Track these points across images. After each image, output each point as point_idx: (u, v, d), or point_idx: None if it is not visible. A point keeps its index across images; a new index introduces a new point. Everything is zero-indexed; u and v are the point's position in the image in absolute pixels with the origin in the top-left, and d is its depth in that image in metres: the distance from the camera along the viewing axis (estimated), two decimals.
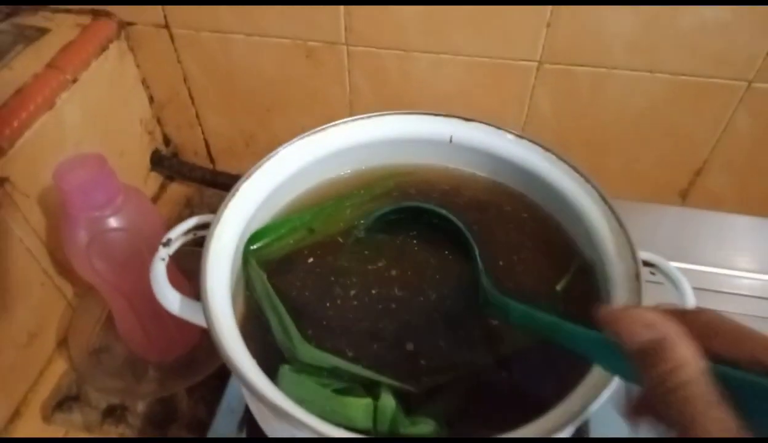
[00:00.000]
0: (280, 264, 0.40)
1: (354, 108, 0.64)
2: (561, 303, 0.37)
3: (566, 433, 0.29)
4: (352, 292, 0.38)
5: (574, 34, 0.53)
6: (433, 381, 0.33)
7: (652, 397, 0.21)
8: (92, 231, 0.44)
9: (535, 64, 0.56)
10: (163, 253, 0.35)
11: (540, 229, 0.42)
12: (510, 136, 0.41)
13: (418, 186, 0.45)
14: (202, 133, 0.71)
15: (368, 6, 0.54)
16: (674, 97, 0.56)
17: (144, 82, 0.67)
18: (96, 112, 0.59)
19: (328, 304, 0.37)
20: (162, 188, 0.73)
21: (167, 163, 0.70)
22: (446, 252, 0.41)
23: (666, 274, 0.35)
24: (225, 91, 0.66)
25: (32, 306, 0.53)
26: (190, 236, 0.37)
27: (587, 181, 0.38)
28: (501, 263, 0.40)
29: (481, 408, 0.33)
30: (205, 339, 0.55)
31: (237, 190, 0.36)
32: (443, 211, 0.40)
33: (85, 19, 0.60)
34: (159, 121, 0.71)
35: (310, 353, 0.33)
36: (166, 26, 0.61)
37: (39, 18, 0.59)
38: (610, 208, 0.36)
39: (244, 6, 0.57)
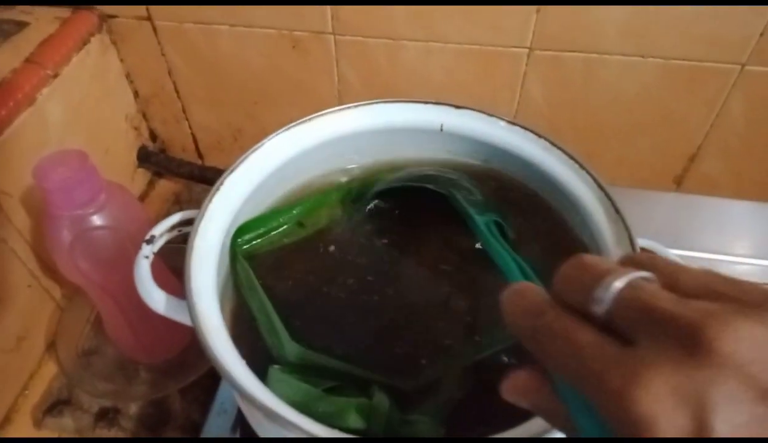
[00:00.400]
0: (268, 259, 0.39)
1: (343, 99, 0.63)
2: None
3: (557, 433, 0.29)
4: (343, 289, 0.37)
5: (565, 20, 0.52)
6: (427, 377, 0.32)
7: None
8: (75, 230, 0.43)
9: (526, 50, 0.55)
10: (147, 251, 0.34)
11: (538, 218, 0.41)
12: (502, 123, 0.40)
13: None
14: (189, 127, 0.70)
15: None
16: (667, 82, 0.55)
17: (128, 76, 0.65)
18: (79, 108, 0.58)
19: (317, 302, 0.36)
20: (150, 185, 0.72)
21: (154, 159, 0.69)
22: (440, 239, 0.40)
23: None
24: (211, 84, 0.64)
25: (19, 309, 0.52)
26: (175, 233, 0.36)
27: (582, 167, 0.37)
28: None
29: (478, 405, 0.32)
30: (195, 339, 0.53)
31: (221, 184, 0.35)
32: (430, 186, 0.39)
33: (65, 12, 0.58)
34: (145, 116, 0.69)
35: (297, 352, 0.32)
36: (149, 18, 0.60)
37: (16, 11, 0.58)
38: (607, 194, 0.36)
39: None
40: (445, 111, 0.41)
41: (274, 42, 0.59)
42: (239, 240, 0.38)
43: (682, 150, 0.61)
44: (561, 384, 0.20)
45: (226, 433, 0.44)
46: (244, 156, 0.37)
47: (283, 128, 0.39)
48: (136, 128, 0.68)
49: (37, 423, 0.52)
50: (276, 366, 0.31)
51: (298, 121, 0.40)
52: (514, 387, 0.21)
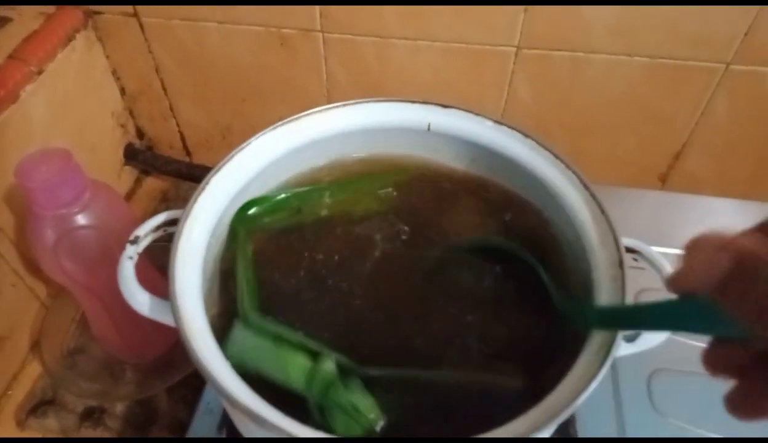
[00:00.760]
0: (264, 237, 0.40)
1: (331, 97, 0.63)
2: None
3: (545, 434, 0.29)
4: (329, 279, 0.38)
5: (552, 19, 0.52)
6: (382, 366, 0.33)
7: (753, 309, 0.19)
8: (59, 230, 0.42)
9: (514, 49, 0.55)
10: (131, 252, 0.33)
11: (521, 218, 0.41)
12: (489, 123, 0.40)
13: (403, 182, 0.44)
14: (177, 125, 0.69)
15: None
16: (653, 80, 0.56)
17: (114, 73, 0.65)
18: (64, 105, 0.57)
19: (302, 287, 0.37)
20: (137, 183, 0.71)
21: (141, 156, 0.69)
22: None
23: (649, 260, 0.34)
24: (199, 81, 0.64)
25: (3, 308, 0.51)
26: (160, 232, 0.35)
27: (568, 167, 0.37)
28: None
29: (453, 407, 0.32)
30: None
31: (207, 183, 0.35)
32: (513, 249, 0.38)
33: (50, 8, 0.57)
34: (131, 114, 0.69)
35: (256, 319, 0.34)
36: (135, 15, 0.59)
37: None
38: (592, 194, 0.36)
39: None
40: (432, 110, 0.41)
41: (262, 39, 0.58)
42: (245, 212, 0.39)
43: (668, 148, 0.62)
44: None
45: (212, 433, 0.43)
46: (230, 155, 0.37)
47: (270, 127, 0.39)
48: (122, 126, 0.68)
49: (21, 424, 0.52)
50: (239, 321, 0.33)
51: (286, 120, 0.40)
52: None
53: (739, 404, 0.22)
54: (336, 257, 0.39)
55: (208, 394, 0.46)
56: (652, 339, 0.33)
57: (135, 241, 0.34)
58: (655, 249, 0.35)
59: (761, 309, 0.19)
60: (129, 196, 0.70)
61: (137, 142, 0.70)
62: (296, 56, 0.59)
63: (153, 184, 0.72)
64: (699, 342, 0.51)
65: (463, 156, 0.43)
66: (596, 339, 0.30)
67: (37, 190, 0.40)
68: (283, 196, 0.42)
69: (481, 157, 0.42)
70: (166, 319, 0.32)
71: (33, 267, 0.54)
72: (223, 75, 0.63)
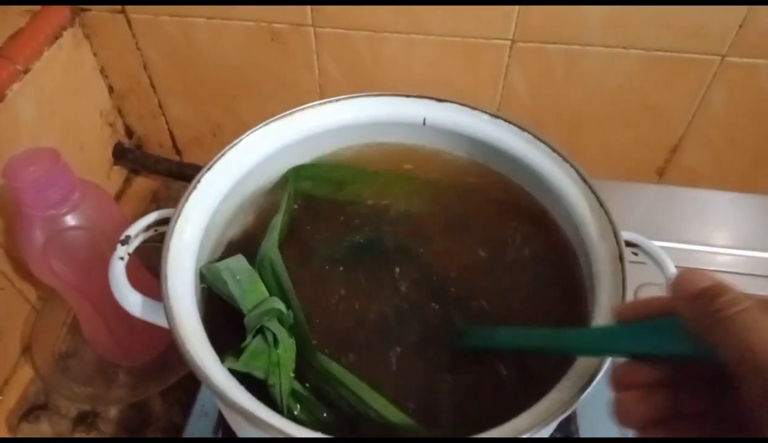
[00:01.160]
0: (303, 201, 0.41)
1: (324, 93, 0.62)
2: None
3: (547, 431, 0.29)
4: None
5: (547, 12, 0.52)
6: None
7: (704, 325, 0.21)
8: (48, 231, 0.41)
9: (508, 42, 0.55)
10: (122, 252, 0.32)
11: (522, 213, 0.40)
12: (485, 116, 0.39)
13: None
14: (166, 123, 0.68)
15: None
16: (649, 73, 0.55)
17: (102, 70, 0.64)
18: (51, 104, 0.56)
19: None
20: (126, 182, 0.70)
21: (131, 155, 0.67)
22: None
23: (649, 254, 0.34)
24: (188, 78, 0.63)
25: None
26: (151, 232, 0.34)
27: (566, 160, 0.37)
28: (482, 253, 0.39)
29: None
30: None
31: (198, 182, 0.34)
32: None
33: (35, 5, 0.56)
34: (120, 112, 0.68)
35: (273, 252, 0.36)
36: (123, 11, 0.58)
37: None
38: (591, 188, 0.35)
39: None
40: (427, 104, 0.41)
41: (252, 34, 0.58)
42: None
43: (664, 141, 0.61)
44: None
45: (208, 436, 0.43)
46: (221, 153, 0.36)
47: (262, 123, 0.38)
48: (111, 124, 0.66)
49: (13, 429, 0.51)
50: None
51: (278, 116, 0.39)
52: None
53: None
54: (357, 249, 0.39)
55: (203, 397, 0.45)
56: None
57: (126, 241, 0.33)
58: (654, 243, 0.34)
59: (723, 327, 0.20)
60: (118, 196, 0.69)
61: (126, 141, 0.69)
62: (287, 51, 0.59)
63: (143, 183, 0.71)
64: None
65: (460, 150, 0.42)
66: None
67: (25, 191, 0.40)
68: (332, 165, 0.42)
69: (477, 152, 0.41)
70: (159, 320, 0.32)
71: (22, 269, 0.53)
72: (212, 71, 0.62)
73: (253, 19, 0.56)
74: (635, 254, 0.35)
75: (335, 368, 0.32)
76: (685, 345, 0.22)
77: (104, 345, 0.52)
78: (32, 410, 0.52)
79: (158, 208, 0.66)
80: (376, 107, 0.41)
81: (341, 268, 0.38)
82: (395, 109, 0.41)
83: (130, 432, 0.51)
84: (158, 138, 0.70)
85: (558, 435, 0.39)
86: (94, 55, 0.62)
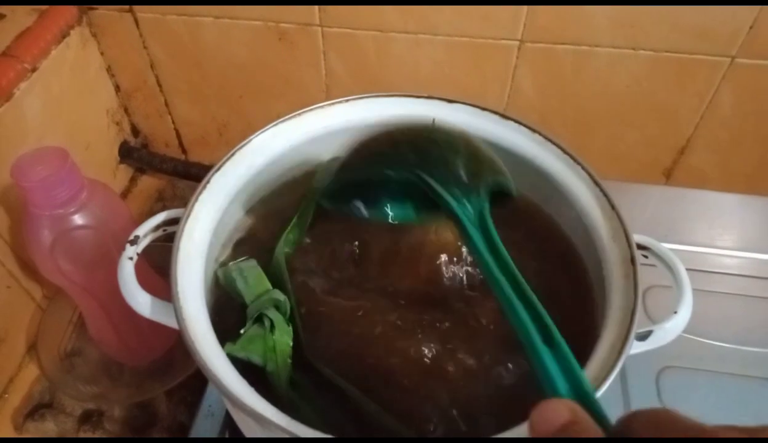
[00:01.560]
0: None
1: (331, 92, 0.62)
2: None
3: None
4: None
5: (555, 12, 0.52)
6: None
7: None
8: (56, 230, 0.41)
9: (517, 43, 0.55)
10: (131, 252, 0.32)
11: (527, 216, 0.40)
12: (495, 117, 0.39)
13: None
14: (173, 122, 0.68)
15: None
16: (657, 74, 0.55)
17: (109, 70, 0.64)
18: (58, 102, 0.56)
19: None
20: (132, 181, 0.70)
21: (137, 154, 0.67)
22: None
23: (660, 257, 0.34)
24: (195, 77, 0.63)
25: None
26: (160, 232, 0.34)
27: (577, 162, 0.37)
28: None
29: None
30: (182, 340, 0.52)
31: (208, 182, 0.34)
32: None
33: (43, 5, 0.56)
34: (126, 111, 0.68)
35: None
36: (131, 10, 0.58)
37: None
38: (602, 190, 0.35)
39: None
40: (437, 105, 0.40)
41: (259, 34, 0.57)
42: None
43: (672, 142, 0.61)
44: None
45: (214, 436, 0.43)
46: (230, 153, 0.36)
47: (271, 124, 0.38)
48: (117, 123, 0.66)
49: (18, 428, 0.51)
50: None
51: (287, 116, 0.39)
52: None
53: None
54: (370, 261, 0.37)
55: (209, 397, 0.45)
56: (662, 338, 0.32)
57: (135, 241, 0.33)
58: (664, 245, 0.34)
59: None
60: (124, 195, 0.69)
61: (132, 140, 0.69)
62: (294, 51, 0.58)
63: (149, 182, 0.71)
64: (709, 340, 0.50)
65: None
66: (609, 338, 0.30)
67: (33, 190, 0.39)
68: None
69: None
70: (168, 321, 0.32)
71: (28, 268, 0.53)
72: (219, 71, 0.62)
73: (261, 18, 0.56)
74: (645, 257, 0.34)
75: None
76: None
77: (110, 344, 0.52)
78: (37, 408, 0.52)
79: (164, 206, 0.67)
80: (385, 108, 0.40)
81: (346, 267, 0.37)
82: (405, 110, 0.40)
83: (136, 432, 0.51)
84: (164, 137, 0.70)
85: None
86: (101, 54, 0.62)
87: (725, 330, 0.50)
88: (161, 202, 0.69)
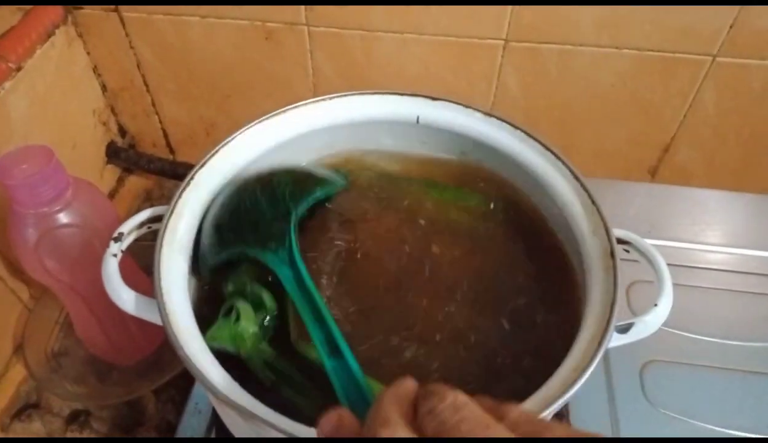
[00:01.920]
0: None
1: (318, 92, 0.62)
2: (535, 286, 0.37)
3: None
4: None
5: (540, 11, 0.52)
6: None
7: None
8: (41, 229, 0.41)
9: (502, 42, 0.55)
10: (115, 249, 0.32)
11: (512, 211, 0.41)
12: (479, 115, 0.40)
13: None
14: (160, 122, 0.68)
15: None
16: (641, 73, 0.56)
17: (95, 69, 0.63)
18: (44, 102, 0.56)
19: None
20: (120, 181, 0.70)
21: (124, 155, 0.67)
22: None
23: (641, 251, 0.34)
24: (182, 77, 0.63)
25: None
26: (144, 230, 0.34)
27: (558, 158, 0.37)
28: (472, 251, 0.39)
29: None
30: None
31: (191, 178, 0.34)
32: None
33: (28, 5, 0.56)
34: (113, 111, 0.67)
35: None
36: (116, 9, 0.58)
37: None
38: (582, 185, 0.36)
39: None
40: (421, 103, 0.41)
41: (246, 33, 0.58)
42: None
43: (657, 141, 0.62)
44: None
45: (201, 434, 0.43)
46: (215, 149, 0.36)
47: (256, 120, 0.38)
48: (104, 123, 0.66)
49: (5, 429, 0.50)
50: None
51: (272, 113, 0.39)
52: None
53: None
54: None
55: (196, 394, 0.45)
56: (643, 330, 0.33)
57: (119, 238, 0.33)
58: (648, 241, 0.35)
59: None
60: (112, 195, 0.68)
61: (119, 140, 0.69)
62: (281, 50, 0.59)
63: (136, 182, 0.71)
64: (692, 334, 0.51)
65: (453, 148, 0.42)
66: (589, 330, 0.30)
67: (17, 188, 0.39)
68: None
69: (471, 150, 0.42)
70: (152, 317, 0.32)
71: (14, 268, 0.52)
72: (206, 70, 0.62)
73: (247, 18, 0.56)
74: (627, 251, 0.35)
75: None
76: None
77: (97, 343, 0.52)
78: (24, 409, 0.51)
79: (152, 207, 0.66)
80: (370, 105, 0.41)
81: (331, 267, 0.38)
82: (389, 108, 0.41)
83: (123, 431, 0.50)
84: (151, 137, 0.70)
85: None
86: (88, 53, 0.62)
87: (708, 324, 0.50)
88: (149, 202, 0.69)
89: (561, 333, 0.33)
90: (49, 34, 0.56)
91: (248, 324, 0.33)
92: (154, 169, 0.67)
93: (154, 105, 0.66)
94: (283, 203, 0.36)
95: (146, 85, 0.64)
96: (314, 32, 0.57)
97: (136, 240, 0.35)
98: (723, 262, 0.56)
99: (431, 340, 0.34)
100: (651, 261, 0.34)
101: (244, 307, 0.33)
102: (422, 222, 0.40)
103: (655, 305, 0.32)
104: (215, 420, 0.43)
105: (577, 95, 0.58)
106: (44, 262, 0.42)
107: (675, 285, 0.33)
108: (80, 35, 0.60)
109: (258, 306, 0.34)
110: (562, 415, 0.43)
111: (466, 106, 0.40)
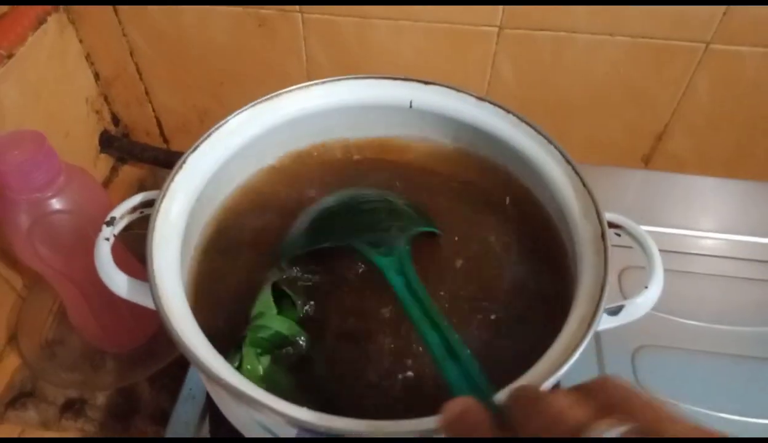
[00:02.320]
0: None
1: (312, 79, 0.60)
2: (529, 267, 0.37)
3: None
4: None
5: None
6: None
7: None
8: (33, 215, 0.41)
9: (496, 29, 0.55)
10: (107, 233, 0.32)
11: (506, 194, 0.41)
12: (472, 99, 0.40)
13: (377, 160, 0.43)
14: (153, 110, 0.68)
15: None
16: (635, 61, 0.56)
17: (88, 57, 0.63)
18: (36, 90, 0.55)
19: None
20: (113, 171, 0.69)
21: (117, 143, 0.67)
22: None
23: (632, 235, 0.34)
24: (175, 64, 0.63)
25: None
26: (137, 215, 0.34)
27: (549, 141, 0.37)
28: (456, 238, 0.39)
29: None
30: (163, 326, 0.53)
31: (183, 162, 0.34)
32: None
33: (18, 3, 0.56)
34: (106, 99, 0.67)
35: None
36: None
37: None
38: (574, 168, 0.36)
39: None
40: (414, 87, 0.41)
41: (239, 20, 0.57)
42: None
43: (650, 129, 0.62)
44: None
45: (195, 419, 0.43)
46: (207, 133, 0.36)
47: (249, 105, 0.38)
48: (97, 111, 0.66)
49: (0, 417, 0.50)
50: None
51: (265, 98, 0.39)
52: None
53: None
54: None
55: (190, 380, 0.45)
56: (633, 313, 0.33)
57: (111, 223, 0.33)
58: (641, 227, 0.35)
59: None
60: (105, 185, 0.68)
61: (113, 129, 0.69)
62: (275, 37, 0.58)
63: (130, 171, 0.71)
64: (684, 319, 0.51)
65: (446, 133, 0.43)
66: (579, 311, 0.30)
67: (9, 174, 0.39)
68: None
69: (464, 135, 0.42)
70: (145, 301, 0.32)
71: (7, 257, 0.52)
72: (199, 57, 0.61)
73: (240, 3, 0.56)
74: (618, 235, 0.35)
75: None
76: None
77: (91, 331, 0.52)
78: (19, 397, 0.51)
79: None
80: (363, 89, 0.41)
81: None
82: (382, 92, 0.41)
83: (118, 418, 0.51)
84: (145, 126, 0.70)
85: None
86: (80, 41, 0.61)
87: (700, 309, 0.51)
88: (143, 191, 0.68)
89: (552, 317, 0.33)
90: (41, 22, 0.56)
91: (251, 369, 0.32)
92: (147, 157, 0.67)
93: (147, 93, 0.66)
94: (403, 218, 0.38)
95: (139, 73, 0.64)
96: (308, 19, 0.56)
97: (129, 230, 0.35)
98: (715, 248, 0.57)
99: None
100: (641, 244, 0.34)
101: (248, 353, 0.32)
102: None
103: (646, 287, 0.32)
104: (209, 405, 0.43)
105: (571, 83, 0.59)
106: (37, 249, 0.42)
107: (667, 270, 0.33)
108: (72, 22, 0.60)
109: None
110: None
111: (459, 91, 0.40)
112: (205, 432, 0.42)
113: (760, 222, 0.58)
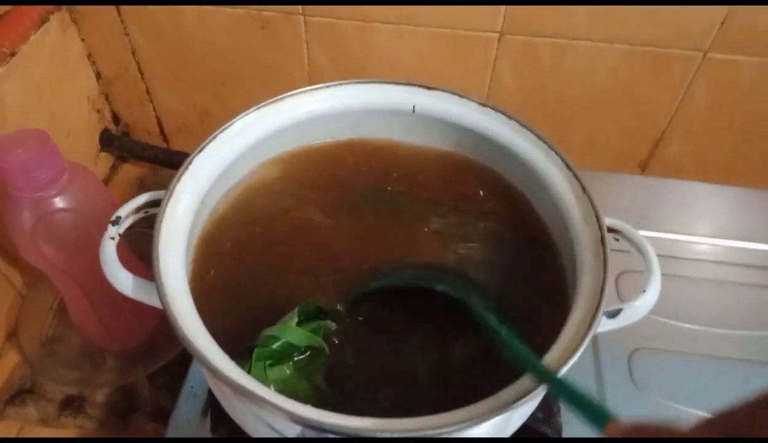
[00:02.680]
0: None
1: (313, 82, 0.60)
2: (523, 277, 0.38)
3: (532, 404, 0.29)
4: None
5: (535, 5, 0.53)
6: None
7: None
8: (37, 213, 0.41)
9: (497, 34, 0.55)
10: (113, 232, 0.33)
11: (504, 201, 0.41)
12: (474, 105, 0.40)
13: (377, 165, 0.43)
14: (154, 110, 0.68)
15: None
16: (634, 68, 0.56)
17: (90, 56, 0.63)
18: (38, 89, 0.55)
19: None
20: (113, 169, 0.70)
21: (118, 142, 0.67)
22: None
23: (630, 240, 0.35)
24: (176, 64, 0.63)
25: None
26: (142, 214, 0.35)
27: (551, 147, 0.38)
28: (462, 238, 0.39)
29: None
30: (164, 325, 0.53)
31: (190, 163, 0.35)
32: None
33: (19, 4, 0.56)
34: (107, 98, 0.67)
35: None
36: None
37: None
38: (574, 174, 0.36)
39: None
40: (417, 92, 0.41)
41: (241, 21, 0.58)
42: None
43: (648, 135, 0.62)
44: None
45: (196, 417, 0.43)
46: (213, 135, 0.37)
47: (254, 107, 0.39)
48: (98, 110, 0.66)
49: None
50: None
51: (270, 101, 0.39)
52: None
53: None
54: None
55: (192, 378, 0.45)
56: (632, 316, 0.34)
57: (117, 222, 0.33)
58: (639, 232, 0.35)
59: None
60: (105, 183, 0.68)
61: (113, 128, 0.69)
62: (277, 39, 0.59)
63: (130, 170, 0.71)
64: (680, 323, 0.52)
65: (448, 138, 0.43)
66: (579, 314, 0.31)
67: (12, 172, 0.39)
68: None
69: (466, 140, 0.42)
70: (151, 300, 0.32)
71: (8, 254, 0.52)
72: (201, 58, 0.62)
73: (242, 5, 0.56)
74: (617, 240, 0.36)
75: None
76: None
77: (91, 329, 0.52)
78: (18, 394, 0.51)
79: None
80: (366, 94, 0.41)
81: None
82: (386, 96, 0.41)
83: (118, 416, 0.51)
84: (146, 125, 0.70)
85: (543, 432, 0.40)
86: (82, 40, 0.62)
87: (696, 313, 0.52)
88: (143, 190, 0.68)
89: (550, 321, 0.33)
90: (44, 20, 0.56)
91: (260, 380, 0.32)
92: (148, 156, 0.67)
93: (148, 92, 0.66)
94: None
95: (141, 72, 0.64)
96: (310, 22, 0.57)
97: (132, 228, 0.35)
98: (711, 253, 0.57)
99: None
100: (639, 248, 0.34)
101: (255, 365, 0.32)
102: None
103: (644, 291, 0.33)
104: (210, 403, 0.44)
105: (570, 89, 0.59)
106: (40, 247, 0.43)
107: (664, 275, 0.33)
108: (75, 21, 0.60)
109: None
110: (552, 417, 0.43)
111: (462, 96, 0.41)
112: (206, 430, 0.42)
113: (755, 228, 0.59)
